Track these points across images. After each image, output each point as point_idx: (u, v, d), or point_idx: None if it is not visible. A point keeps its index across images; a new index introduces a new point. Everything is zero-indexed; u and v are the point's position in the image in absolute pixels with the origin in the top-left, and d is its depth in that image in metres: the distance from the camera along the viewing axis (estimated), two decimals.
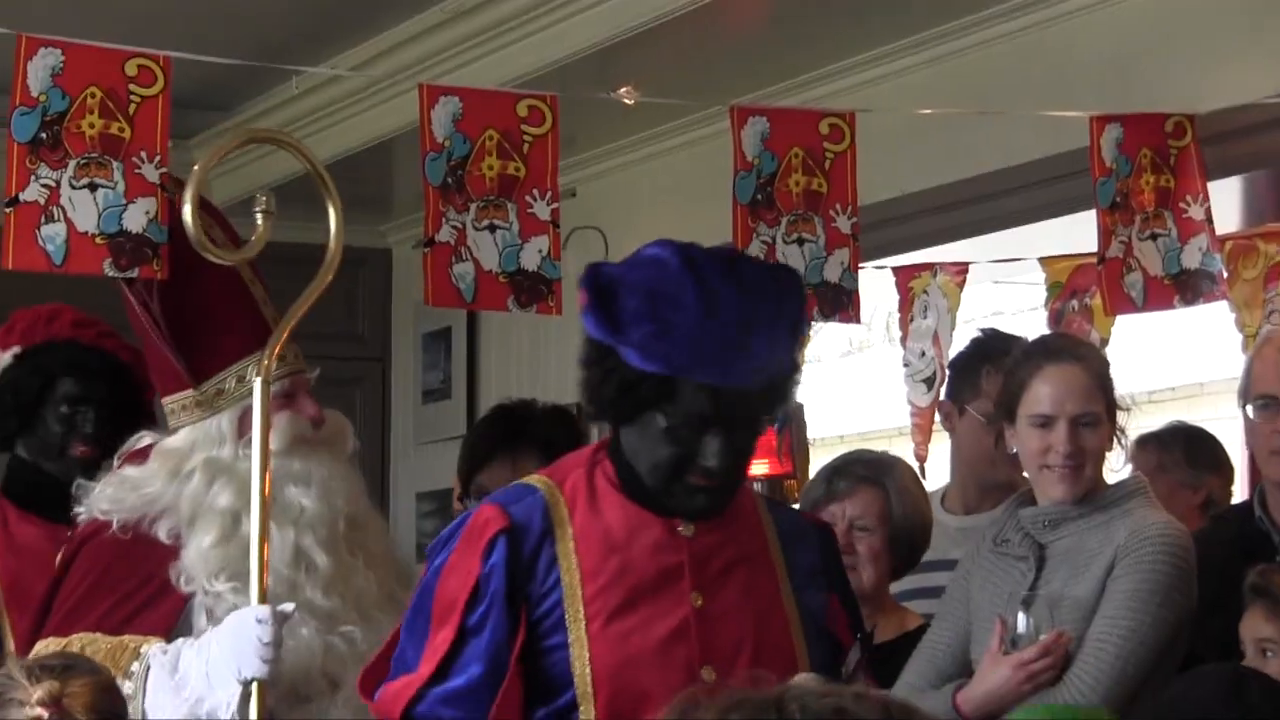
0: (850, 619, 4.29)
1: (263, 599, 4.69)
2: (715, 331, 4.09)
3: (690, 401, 4.07)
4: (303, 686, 4.89)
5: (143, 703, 4.81)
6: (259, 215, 4.93)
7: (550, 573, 4.13)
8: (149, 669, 4.84)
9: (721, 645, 4.10)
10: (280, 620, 4.66)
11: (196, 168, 4.96)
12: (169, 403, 5.28)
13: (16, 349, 5.68)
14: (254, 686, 4.68)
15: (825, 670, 3.98)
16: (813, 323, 7.48)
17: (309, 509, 5.08)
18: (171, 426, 5.27)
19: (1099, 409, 5.33)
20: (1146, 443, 7.32)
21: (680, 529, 4.17)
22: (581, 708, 4.06)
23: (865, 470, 6.20)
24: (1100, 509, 5.22)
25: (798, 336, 4.31)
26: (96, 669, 4.29)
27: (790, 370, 4.25)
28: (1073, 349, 5.75)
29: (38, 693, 4.00)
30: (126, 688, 4.75)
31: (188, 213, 4.90)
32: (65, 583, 5.14)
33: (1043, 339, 6.17)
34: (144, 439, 5.35)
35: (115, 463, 5.39)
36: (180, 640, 4.90)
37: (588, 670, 4.03)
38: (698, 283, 4.14)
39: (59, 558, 5.30)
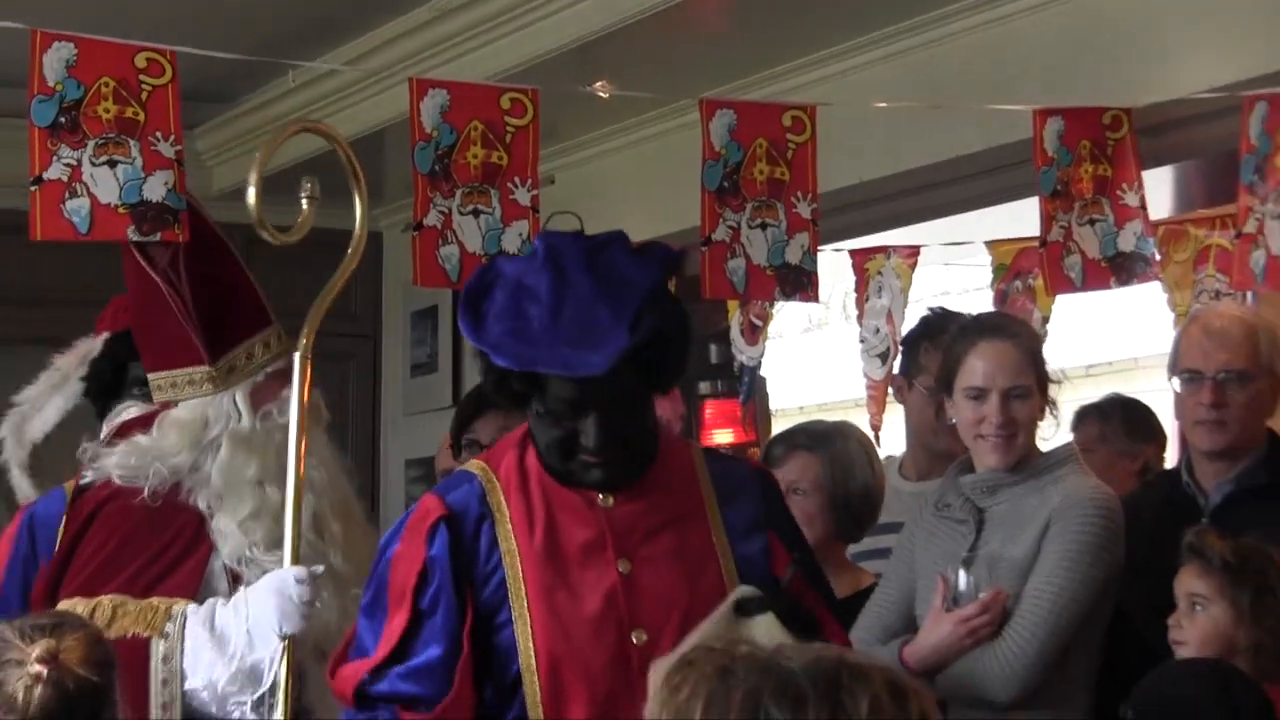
0: (790, 552, 4.25)
1: (296, 562, 4.76)
2: (562, 327, 4.10)
3: (557, 390, 4.10)
4: (324, 643, 4.87)
5: (181, 660, 4.83)
6: (304, 200, 4.98)
7: (492, 554, 4.14)
8: (184, 628, 4.86)
9: (650, 608, 4.10)
10: (314, 581, 4.74)
11: (259, 154, 5.00)
12: (175, 375, 5.22)
13: (105, 334, 5.67)
14: (286, 642, 4.74)
15: None
16: (774, 300, 7.61)
17: (319, 479, 5.12)
18: (176, 398, 5.24)
19: (1029, 382, 5.36)
20: (1087, 414, 7.40)
21: (600, 501, 4.19)
22: (525, 680, 4.07)
23: (804, 439, 6.26)
24: (1034, 475, 5.27)
25: (660, 306, 4.19)
26: (85, 624, 4.33)
27: (661, 343, 4.17)
28: (1005, 326, 5.78)
29: (35, 651, 4.03)
30: (161, 646, 4.83)
31: (251, 195, 4.94)
32: (86, 544, 5.10)
33: (977, 317, 6.18)
34: (130, 409, 5.38)
35: (104, 430, 5.40)
36: (211, 601, 4.93)
37: (530, 644, 4.05)
38: (554, 275, 4.16)
39: (65, 518, 5.22)
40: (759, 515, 4.26)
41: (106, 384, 5.51)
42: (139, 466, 5.10)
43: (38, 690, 4.00)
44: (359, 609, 4.34)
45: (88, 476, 5.22)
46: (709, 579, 4.14)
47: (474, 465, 4.35)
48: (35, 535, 5.22)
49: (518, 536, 4.12)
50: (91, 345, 5.46)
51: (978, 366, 5.50)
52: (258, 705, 4.84)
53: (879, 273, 8.66)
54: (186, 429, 5.15)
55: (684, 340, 4.27)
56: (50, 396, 5.40)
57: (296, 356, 4.90)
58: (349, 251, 5.00)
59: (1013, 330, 5.65)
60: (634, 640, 4.01)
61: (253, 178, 4.88)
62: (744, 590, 3.96)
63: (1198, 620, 4.96)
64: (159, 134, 6.45)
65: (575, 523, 4.15)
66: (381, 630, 4.17)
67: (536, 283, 4.21)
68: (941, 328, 6.17)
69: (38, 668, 4.00)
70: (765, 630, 3.78)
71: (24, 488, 5.47)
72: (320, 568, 4.86)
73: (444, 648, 4.07)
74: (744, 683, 2.68)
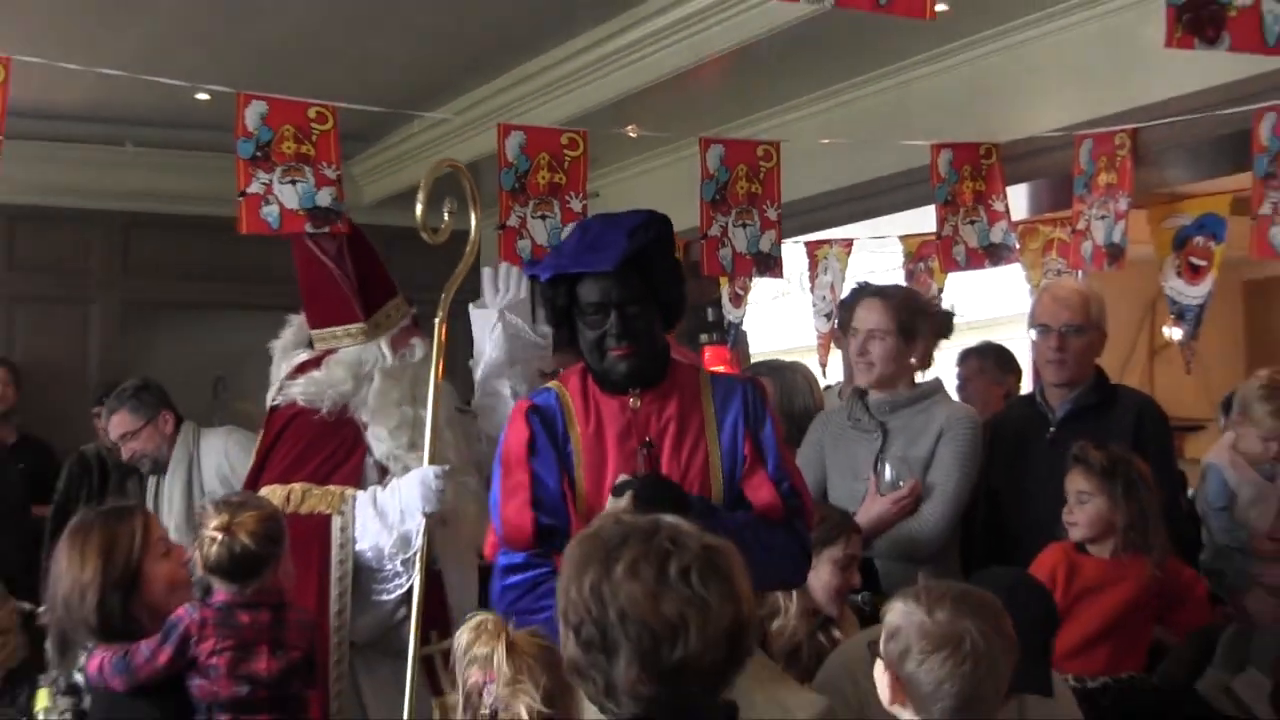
0: (755, 442, 4.13)
1: (433, 461, 4.80)
2: (583, 247, 4.11)
3: (585, 294, 4.04)
4: (447, 516, 4.91)
5: (353, 529, 4.88)
6: (446, 212, 4.92)
7: (566, 440, 4.08)
8: (355, 507, 4.92)
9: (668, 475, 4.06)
10: (446, 475, 4.78)
11: (423, 180, 4.94)
12: (335, 330, 5.20)
13: None
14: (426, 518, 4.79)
15: (730, 481, 4.08)
16: (751, 276, 7.68)
17: (419, 396, 5.10)
18: (336, 346, 5.19)
19: (888, 328, 5.37)
20: (969, 354, 7.55)
21: (630, 404, 4.12)
22: (575, 522, 3.98)
23: (765, 369, 6.35)
24: (918, 400, 5.34)
25: (650, 233, 4.10)
26: (263, 506, 4.42)
27: (649, 262, 4.08)
28: (882, 291, 5.82)
29: (214, 521, 4.21)
30: (339, 520, 4.89)
31: (419, 209, 4.89)
32: (278, 449, 5.12)
33: (867, 284, 6.19)
34: (300, 355, 5.29)
35: (284, 369, 5.31)
36: (373, 488, 4.95)
37: (583, 495, 4.03)
38: (581, 227, 4.30)
39: (264, 431, 5.25)
40: (741, 413, 4.16)
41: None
42: (317, 393, 5.10)
43: (213, 548, 4.17)
44: (492, 478, 4.27)
45: (279, 401, 5.22)
46: (700, 457, 4.10)
47: (551, 383, 4.29)
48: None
49: (580, 427, 4.08)
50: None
51: (857, 314, 5.61)
52: (406, 563, 4.85)
53: (824, 258, 8.84)
54: (349, 366, 5.13)
55: (673, 265, 4.21)
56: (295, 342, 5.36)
57: (437, 320, 4.89)
58: (468, 248, 4.98)
59: (887, 294, 5.69)
60: None
61: (420, 196, 4.88)
62: (621, 477, 3.92)
63: (1085, 509, 5.05)
64: (325, 163, 6.65)
65: (612, 419, 4.11)
66: (508, 486, 4.12)
67: (571, 234, 4.36)
68: (874, 293, 5.90)
69: (215, 533, 4.18)
70: (626, 505, 3.73)
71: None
72: (449, 466, 4.84)
73: (557, 488, 4.02)
74: (606, 542, 2.74)
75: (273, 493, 4.94)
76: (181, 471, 6.84)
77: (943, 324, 5.59)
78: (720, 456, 4.11)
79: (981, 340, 7.91)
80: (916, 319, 5.35)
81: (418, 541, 4.81)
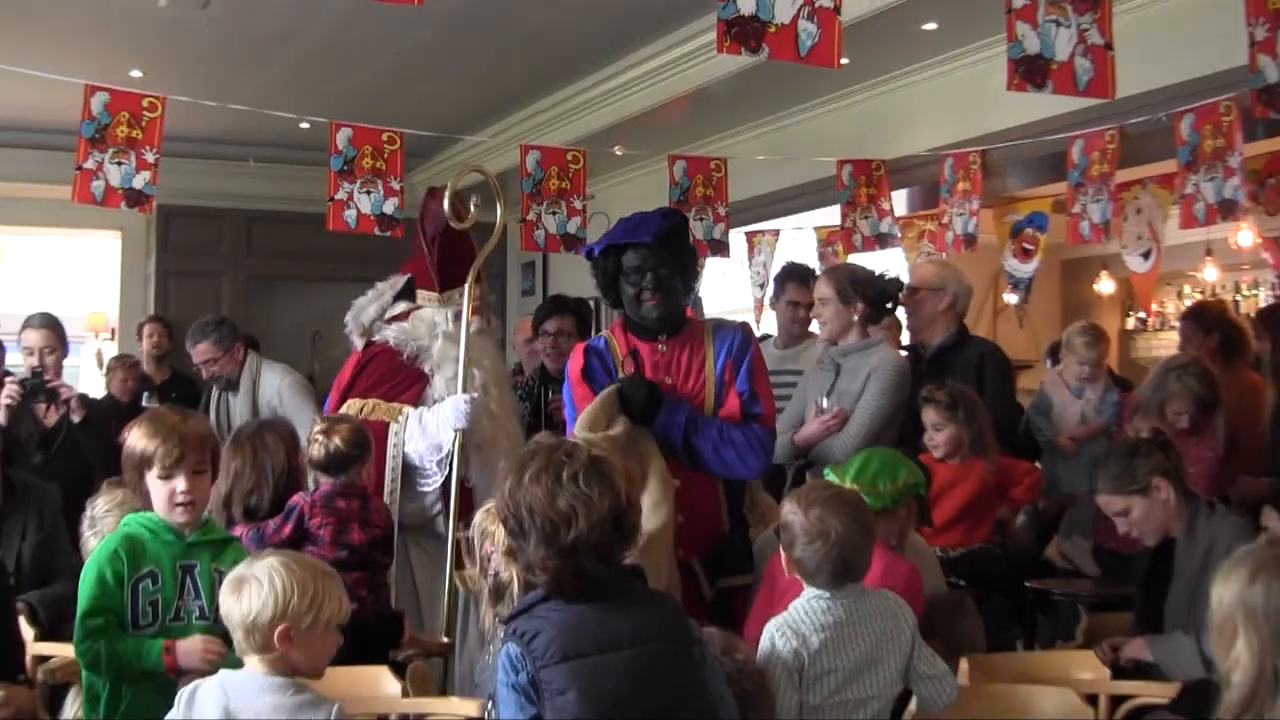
0: (735, 367, 4.12)
1: (464, 389, 4.76)
2: (626, 227, 4.11)
3: (628, 260, 4.06)
4: (483, 445, 4.83)
5: (404, 437, 4.81)
6: (473, 207, 4.83)
7: (614, 372, 4.07)
8: (407, 421, 4.85)
9: (675, 393, 4.05)
10: (472, 402, 4.72)
11: (450, 184, 4.80)
12: (424, 294, 5.08)
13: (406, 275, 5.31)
14: (458, 432, 4.73)
15: (717, 397, 4.06)
16: (706, 257, 7.59)
17: (489, 364, 5.03)
18: (419, 304, 5.07)
19: (830, 295, 5.16)
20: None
21: (661, 347, 4.11)
22: None
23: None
24: (864, 349, 5.13)
25: (675, 221, 4.14)
26: (352, 421, 4.39)
27: (674, 241, 4.09)
28: (800, 271, 5.83)
29: (318, 428, 4.25)
30: (394, 428, 4.81)
31: (448, 203, 4.76)
32: (366, 371, 5.03)
33: (792, 263, 6.16)
34: (399, 306, 5.11)
35: (373, 310, 5.16)
36: (421, 408, 4.89)
37: None
38: (624, 219, 4.21)
39: (356, 359, 5.11)
40: (730, 349, 4.12)
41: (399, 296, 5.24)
42: (403, 340, 5.00)
43: (317, 450, 4.19)
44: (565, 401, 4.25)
45: (376, 338, 5.08)
46: (698, 381, 4.09)
47: (604, 333, 4.29)
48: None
49: (624, 365, 4.08)
50: (395, 280, 5.19)
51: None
52: (439, 464, 4.78)
53: (759, 244, 8.79)
54: (426, 325, 5.03)
55: (690, 247, 4.21)
56: (373, 301, 5.15)
57: (467, 284, 4.80)
58: (492, 236, 4.87)
59: (830, 271, 5.55)
60: None
61: (449, 192, 4.78)
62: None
63: (940, 435, 5.05)
64: (393, 176, 6.72)
65: (647, 356, 4.10)
66: (579, 399, 4.08)
67: (615, 225, 4.26)
68: (790, 273, 6.04)
69: (320, 438, 4.20)
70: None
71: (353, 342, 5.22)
72: (476, 395, 4.79)
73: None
74: (520, 458, 2.82)
75: (353, 404, 4.90)
76: (247, 392, 6.65)
77: (883, 289, 5.31)
78: (714, 382, 4.09)
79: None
80: (852, 287, 5.18)
81: (446, 448, 4.75)
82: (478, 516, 3.30)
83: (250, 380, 6.71)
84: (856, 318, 5.17)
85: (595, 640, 2.69)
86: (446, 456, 4.76)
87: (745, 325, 4.37)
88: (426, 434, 4.82)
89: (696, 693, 2.78)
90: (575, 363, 4.15)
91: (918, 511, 4.11)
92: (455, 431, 4.72)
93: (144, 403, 7.60)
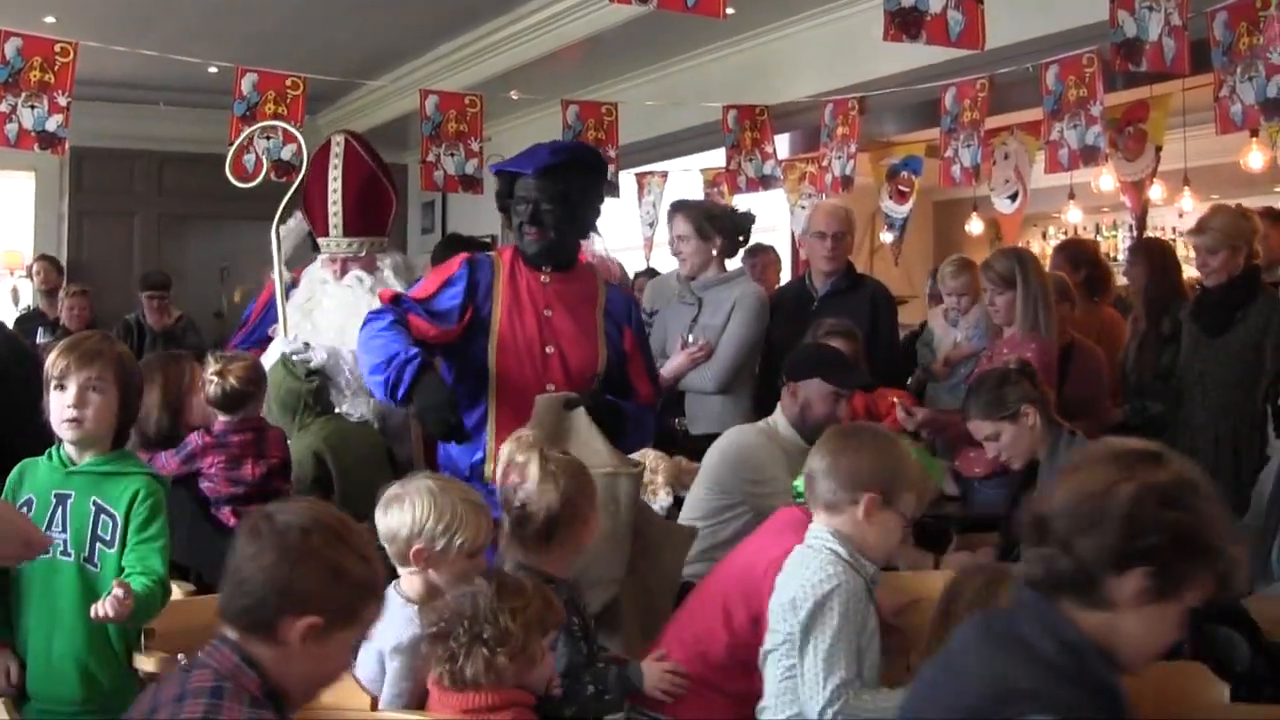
0: (635, 340, 3.93)
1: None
2: (523, 155, 3.85)
3: (520, 187, 3.80)
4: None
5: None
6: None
7: (488, 298, 3.78)
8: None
9: (556, 335, 3.77)
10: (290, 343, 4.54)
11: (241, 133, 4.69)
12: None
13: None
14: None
15: (610, 361, 3.85)
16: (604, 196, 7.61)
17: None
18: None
19: (688, 232, 5.16)
20: (757, 250, 7.39)
21: (543, 279, 3.81)
22: (489, 359, 3.73)
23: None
24: (726, 281, 5.14)
25: (572, 154, 3.87)
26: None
27: (569, 176, 3.79)
28: (682, 205, 5.57)
29: (212, 367, 4.01)
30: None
31: (230, 153, 4.83)
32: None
33: (679, 201, 5.89)
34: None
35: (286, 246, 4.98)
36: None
37: (494, 344, 3.72)
38: (531, 147, 3.93)
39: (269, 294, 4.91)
40: (621, 314, 3.89)
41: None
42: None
43: (213, 387, 3.96)
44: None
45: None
46: (589, 330, 3.84)
47: (492, 253, 4.00)
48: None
49: (502, 292, 3.79)
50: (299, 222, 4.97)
51: (673, 222, 5.35)
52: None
53: (649, 185, 8.71)
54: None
55: (590, 186, 3.89)
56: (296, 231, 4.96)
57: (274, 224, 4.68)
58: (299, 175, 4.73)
59: (687, 206, 5.48)
60: (546, 351, 3.75)
61: (232, 147, 4.74)
62: (570, 395, 3.60)
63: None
64: (292, 122, 6.52)
65: (529, 288, 3.81)
66: (421, 284, 3.85)
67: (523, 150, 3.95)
68: (679, 209, 5.59)
69: (214, 377, 3.98)
70: (583, 418, 3.51)
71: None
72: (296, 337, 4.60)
73: (458, 305, 3.75)
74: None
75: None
76: None
77: (736, 224, 5.29)
78: (606, 344, 3.86)
79: (760, 242, 7.76)
80: (708, 223, 5.13)
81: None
82: (505, 447, 3.10)
83: None
84: (715, 252, 5.12)
85: None
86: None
87: (633, 295, 4.29)
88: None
89: None
90: (447, 267, 3.89)
91: None
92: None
93: (39, 339, 7.70)
